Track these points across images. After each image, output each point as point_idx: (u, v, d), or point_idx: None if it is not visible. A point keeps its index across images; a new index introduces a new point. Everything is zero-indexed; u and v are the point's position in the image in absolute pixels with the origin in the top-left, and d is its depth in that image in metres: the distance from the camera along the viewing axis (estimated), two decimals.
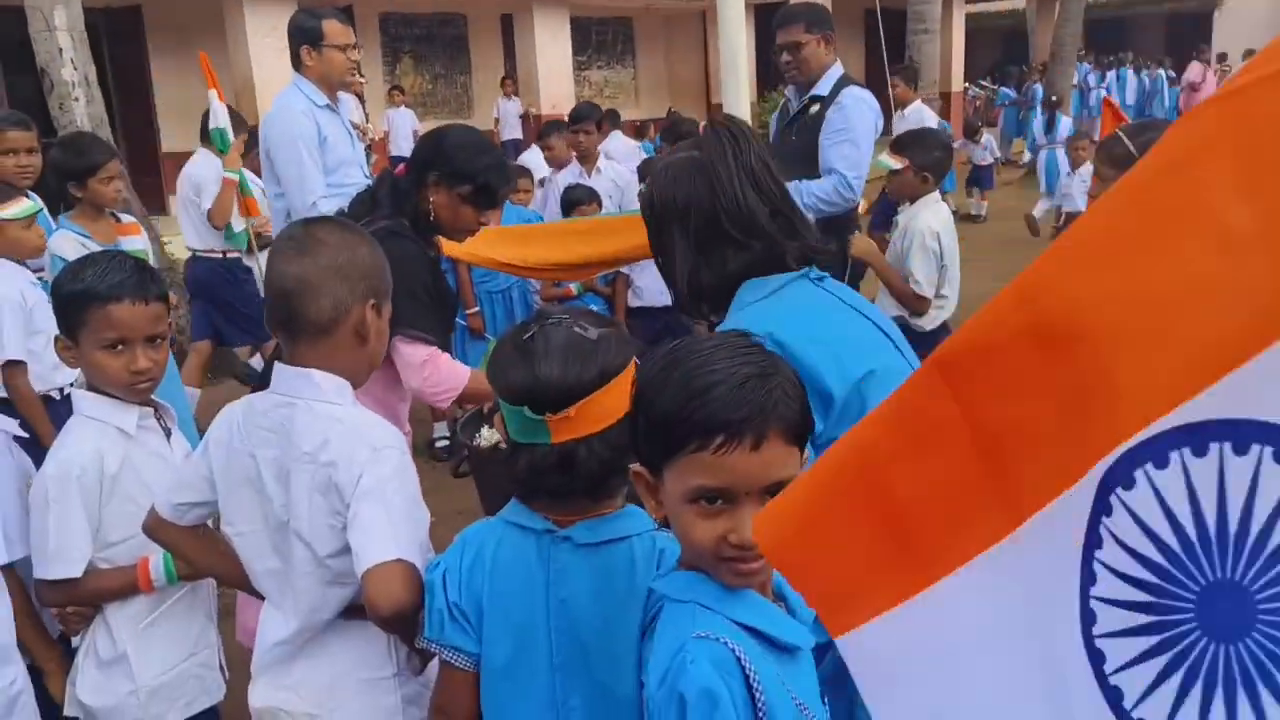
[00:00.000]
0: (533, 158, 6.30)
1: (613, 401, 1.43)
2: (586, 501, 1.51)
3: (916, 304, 3.85)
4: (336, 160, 4.09)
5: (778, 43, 4.13)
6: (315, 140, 4.00)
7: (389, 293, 1.81)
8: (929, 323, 3.91)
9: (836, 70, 4.15)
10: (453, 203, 2.70)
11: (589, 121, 6.06)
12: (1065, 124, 13.57)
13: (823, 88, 4.11)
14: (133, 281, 1.97)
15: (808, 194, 3.96)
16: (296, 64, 4.11)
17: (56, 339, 2.02)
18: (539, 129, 6.93)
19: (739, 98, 2.50)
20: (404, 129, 13.45)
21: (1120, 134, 2.98)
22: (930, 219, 3.84)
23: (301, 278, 1.67)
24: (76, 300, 1.96)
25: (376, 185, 2.83)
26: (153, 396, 2.09)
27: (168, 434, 2.12)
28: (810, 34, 4.06)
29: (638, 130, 14.22)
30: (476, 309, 5.45)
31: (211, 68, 5.68)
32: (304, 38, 4.05)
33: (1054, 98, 14.52)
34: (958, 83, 20.37)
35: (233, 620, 2.49)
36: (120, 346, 1.97)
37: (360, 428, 1.67)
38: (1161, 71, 21.54)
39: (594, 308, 5.45)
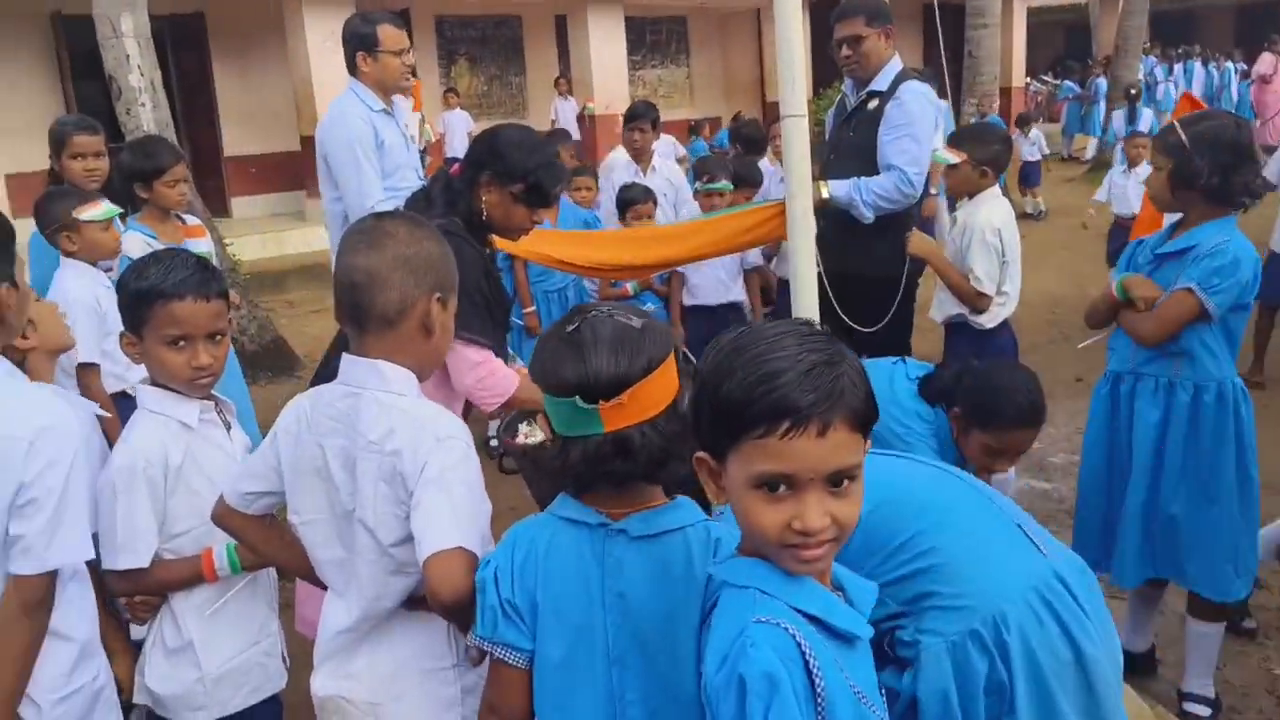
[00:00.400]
0: (618, 157, 6.23)
1: (660, 388, 1.45)
2: (643, 488, 1.51)
3: (977, 301, 3.77)
4: (393, 164, 4.12)
5: (837, 36, 4.07)
6: (372, 145, 4.03)
7: (455, 287, 1.84)
8: (990, 320, 3.83)
9: (895, 65, 4.09)
10: (505, 201, 2.71)
11: (644, 120, 6.03)
12: (1147, 116, 13.22)
13: (881, 82, 4.05)
14: (195, 279, 2.01)
15: (867, 191, 3.91)
16: (352, 69, 4.15)
17: (122, 335, 2.07)
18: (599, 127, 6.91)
19: (795, 94, 2.46)
20: (459, 131, 13.56)
21: (1175, 123, 2.90)
22: (990, 214, 3.75)
23: (369, 270, 1.70)
24: (142, 297, 2.00)
25: (431, 184, 2.85)
26: (213, 391, 2.13)
27: (228, 427, 2.16)
28: (871, 27, 4.00)
29: (692, 129, 14.22)
30: (533, 308, 5.48)
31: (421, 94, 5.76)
32: (359, 44, 4.09)
33: (1132, 90, 14.14)
34: (1018, 78, 20.05)
35: (292, 612, 2.52)
36: (182, 342, 2.01)
37: (425, 418, 1.70)
38: (1230, 64, 20.97)
39: (650, 306, 5.46)
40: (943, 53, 4.55)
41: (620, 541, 1.49)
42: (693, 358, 5.79)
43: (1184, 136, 2.80)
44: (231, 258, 7.73)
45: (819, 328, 1.27)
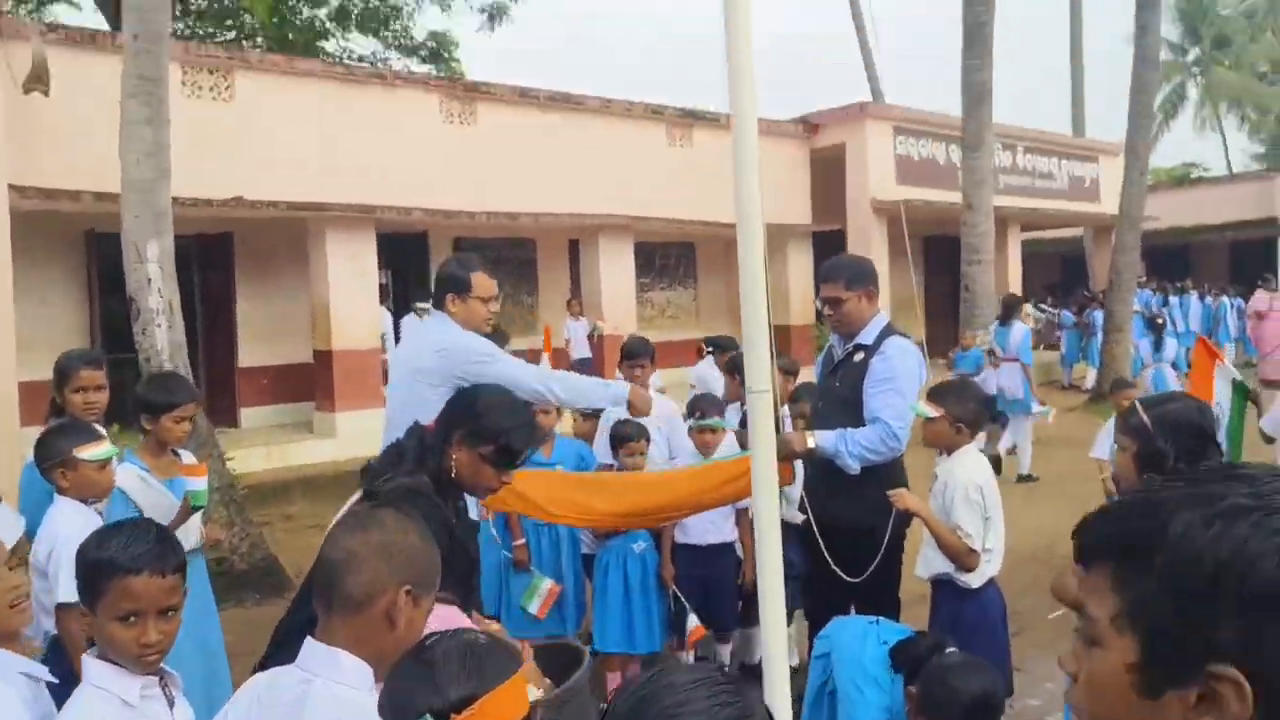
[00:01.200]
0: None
1: (510, 702, 1.49)
2: None
3: (968, 559, 3.74)
4: None
5: (820, 295, 4.24)
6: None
7: (433, 588, 1.85)
8: (977, 579, 3.79)
9: (881, 320, 4.23)
10: (474, 461, 2.75)
11: (643, 358, 6.15)
12: (1171, 345, 13.38)
13: (866, 336, 4.18)
14: (153, 553, 2.04)
15: (853, 442, 3.96)
16: (439, 304, 4.18)
17: (75, 606, 2.06)
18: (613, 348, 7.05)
19: (760, 371, 2.55)
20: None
21: (1137, 404, 2.95)
22: (970, 472, 3.79)
23: (349, 549, 1.76)
24: (99, 570, 2.02)
25: (405, 438, 2.89)
26: (162, 666, 2.11)
27: (171, 703, 2.12)
28: (851, 291, 4.15)
29: (700, 351, 14.51)
30: (522, 541, 5.44)
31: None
32: (452, 285, 4.13)
33: (1159, 320, 14.42)
34: None
35: None
36: (133, 618, 2.02)
37: (369, 715, 1.66)
38: (1225, 298, 21.54)
39: (641, 543, 5.42)
40: (916, 291, 4.71)
41: None
42: (682, 598, 5.59)
43: (1146, 419, 2.84)
44: (230, 473, 7.77)
45: (731, 675, 1.26)
